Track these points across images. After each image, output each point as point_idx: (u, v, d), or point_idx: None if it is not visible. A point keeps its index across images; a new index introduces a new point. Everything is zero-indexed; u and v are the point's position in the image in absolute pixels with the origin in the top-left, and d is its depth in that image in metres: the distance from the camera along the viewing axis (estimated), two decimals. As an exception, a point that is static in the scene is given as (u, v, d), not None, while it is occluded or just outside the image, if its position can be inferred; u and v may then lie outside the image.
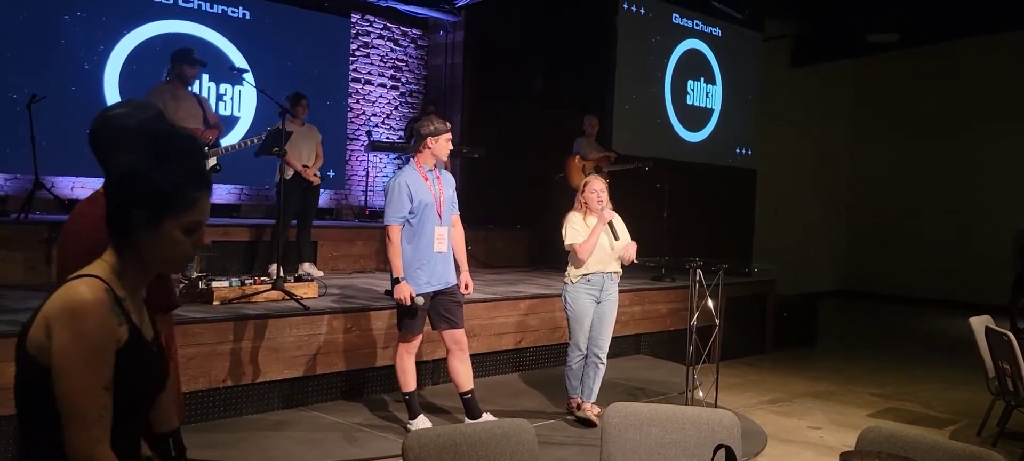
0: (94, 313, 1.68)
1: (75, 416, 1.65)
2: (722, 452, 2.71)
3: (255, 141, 6.89)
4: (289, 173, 7.40)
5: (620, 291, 5.80)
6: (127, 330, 1.75)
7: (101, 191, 2.33)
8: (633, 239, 5.72)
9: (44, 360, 1.68)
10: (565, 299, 5.66)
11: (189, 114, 6.48)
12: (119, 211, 1.77)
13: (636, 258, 5.73)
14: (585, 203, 5.58)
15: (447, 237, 5.10)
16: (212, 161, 6.43)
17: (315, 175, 7.83)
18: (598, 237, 5.49)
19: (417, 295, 4.92)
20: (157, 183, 1.75)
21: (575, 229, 5.55)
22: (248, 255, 7.95)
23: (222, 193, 9.59)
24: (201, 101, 6.86)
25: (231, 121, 9.44)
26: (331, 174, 8.73)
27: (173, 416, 2.28)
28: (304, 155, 7.76)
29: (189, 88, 6.80)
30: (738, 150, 13.18)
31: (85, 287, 1.71)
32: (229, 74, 9.09)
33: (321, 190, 8.38)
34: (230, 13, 9.53)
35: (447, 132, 5.08)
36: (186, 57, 6.69)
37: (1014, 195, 13.45)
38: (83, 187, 8.37)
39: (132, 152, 1.76)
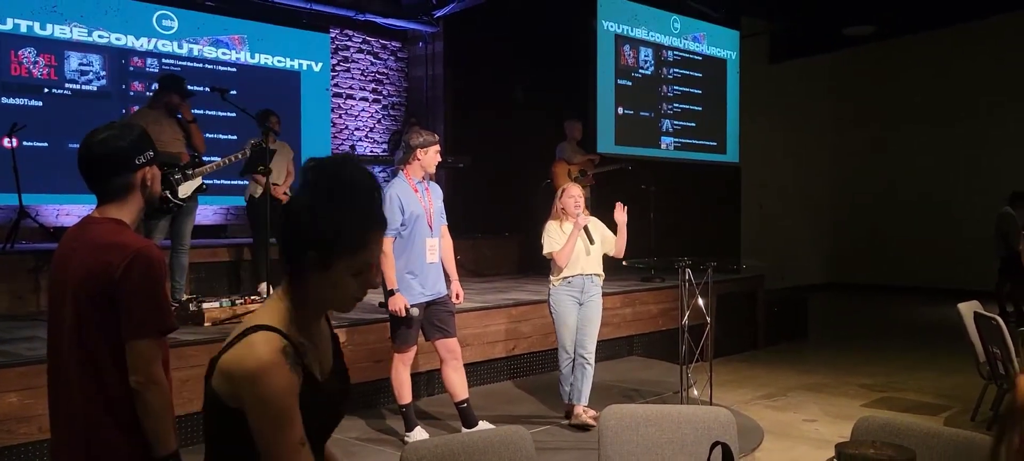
0: (276, 375, 1.62)
1: None
2: (719, 449, 2.71)
3: (237, 157, 6.85)
4: (259, 191, 7.32)
5: (610, 293, 5.88)
6: (300, 375, 1.68)
7: (91, 216, 2.31)
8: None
9: (226, 401, 1.65)
10: (549, 302, 5.81)
11: (172, 138, 6.36)
12: (294, 251, 1.70)
13: (624, 259, 5.86)
14: (564, 209, 5.74)
15: (438, 248, 5.12)
16: (197, 182, 6.38)
17: (285, 193, 7.77)
18: (575, 243, 5.63)
19: (412, 306, 4.95)
20: (331, 223, 1.66)
21: (552, 237, 5.72)
22: (233, 275, 7.91)
23: (208, 213, 9.53)
24: (185, 127, 6.52)
25: (211, 142, 9.37)
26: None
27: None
28: (275, 173, 7.67)
29: (175, 115, 6.49)
30: (721, 148, 13.23)
31: (262, 344, 1.63)
32: (209, 93, 9.04)
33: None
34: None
35: (436, 143, 5.12)
36: (178, 87, 6.44)
37: (996, 180, 13.56)
38: (69, 215, 8.32)
39: (308, 190, 1.68)
